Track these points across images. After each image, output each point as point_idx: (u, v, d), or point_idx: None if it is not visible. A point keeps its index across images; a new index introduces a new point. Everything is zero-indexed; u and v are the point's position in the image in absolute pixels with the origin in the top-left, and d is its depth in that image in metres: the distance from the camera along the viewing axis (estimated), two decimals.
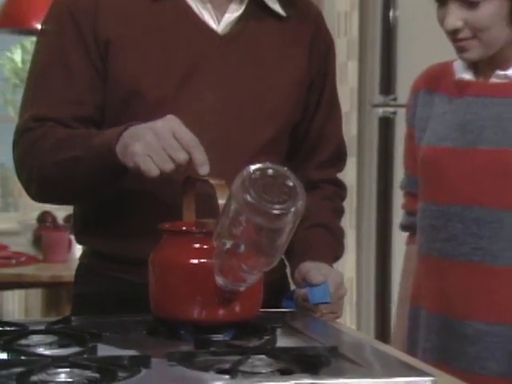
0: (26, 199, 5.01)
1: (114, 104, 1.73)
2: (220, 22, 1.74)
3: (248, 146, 1.72)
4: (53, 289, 3.84)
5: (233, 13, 1.74)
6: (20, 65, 6.01)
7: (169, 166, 1.45)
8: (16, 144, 1.74)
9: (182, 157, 1.45)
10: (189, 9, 1.73)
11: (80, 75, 1.71)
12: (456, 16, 1.78)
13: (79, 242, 1.88)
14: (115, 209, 1.75)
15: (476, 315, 1.85)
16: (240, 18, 1.75)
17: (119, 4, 1.72)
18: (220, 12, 1.74)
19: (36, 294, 4.41)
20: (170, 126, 1.46)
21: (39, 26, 3.30)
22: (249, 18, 1.76)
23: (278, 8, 1.79)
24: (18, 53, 6.02)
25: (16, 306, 4.57)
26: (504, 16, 1.78)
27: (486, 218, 1.83)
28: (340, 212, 1.94)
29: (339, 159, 1.94)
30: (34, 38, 4.88)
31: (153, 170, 1.45)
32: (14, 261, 3.77)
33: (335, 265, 1.87)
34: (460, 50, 1.84)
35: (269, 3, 1.78)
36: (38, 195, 1.74)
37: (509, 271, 1.82)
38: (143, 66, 1.70)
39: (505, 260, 1.82)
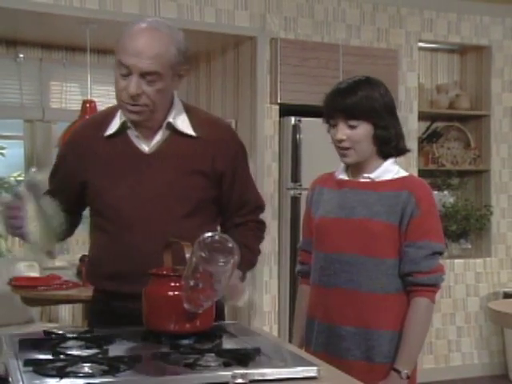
0: (73, 246, 4.93)
1: (90, 194, 1.75)
2: (149, 146, 1.71)
3: (171, 216, 1.67)
4: (88, 303, 3.75)
5: (157, 139, 1.72)
6: None
7: None
8: None
9: None
10: (129, 140, 1.72)
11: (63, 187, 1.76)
12: (342, 132, 1.80)
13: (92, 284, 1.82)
14: (122, 261, 1.69)
15: (348, 322, 1.81)
16: (162, 141, 1.72)
17: (89, 147, 1.73)
18: (148, 140, 1.71)
19: (78, 307, 4.34)
20: None
21: None
22: (167, 140, 1.71)
23: (189, 130, 1.71)
24: None
25: (66, 314, 4.51)
26: (370, 137, 1.80)
27: (353, 261, 1.80)
28: (259, 238, 1.85)
29: (258, 210, 1.86)
30: None
31: None
32: (64, 286, 3.71)
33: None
34: (342, 155, 1.84)
35: (182, 129, 1.71)
36: None
37: (369, 295, 1.79)
38: (105, 178, 1.71)
39: (366, 288, 1.79)
